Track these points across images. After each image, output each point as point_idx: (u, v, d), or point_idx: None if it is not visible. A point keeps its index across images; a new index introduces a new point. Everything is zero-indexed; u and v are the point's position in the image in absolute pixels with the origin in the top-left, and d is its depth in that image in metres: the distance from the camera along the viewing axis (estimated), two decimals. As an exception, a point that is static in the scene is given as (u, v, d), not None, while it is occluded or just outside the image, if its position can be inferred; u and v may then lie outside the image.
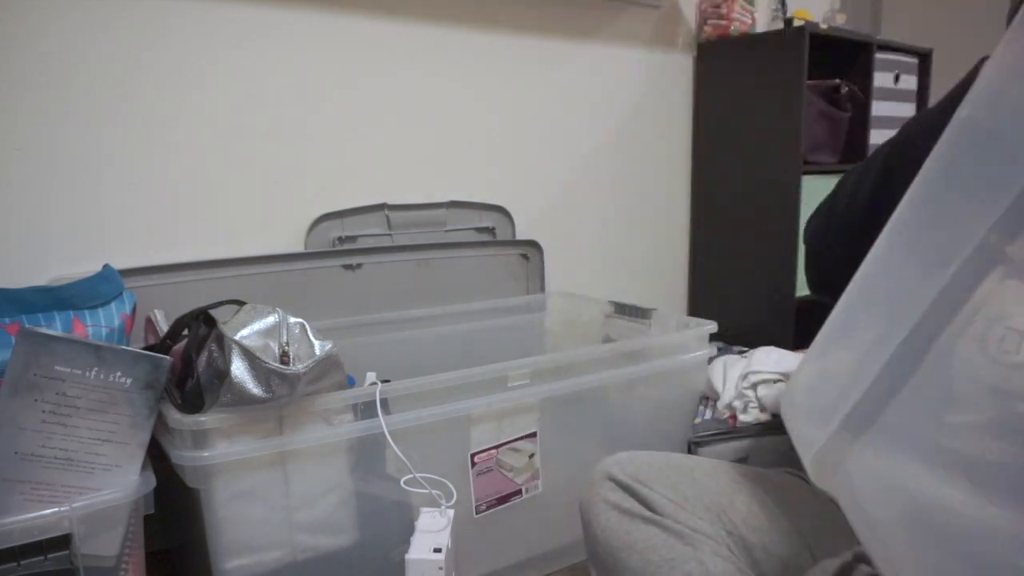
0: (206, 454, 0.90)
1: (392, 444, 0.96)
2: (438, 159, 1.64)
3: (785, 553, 0.81)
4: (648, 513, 0.80)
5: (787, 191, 1.86)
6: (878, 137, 2.04)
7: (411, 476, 0.95)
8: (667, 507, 0.79)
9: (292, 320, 0.95)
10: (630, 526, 0.79)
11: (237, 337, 0.89)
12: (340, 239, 1.49)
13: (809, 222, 0.88)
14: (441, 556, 0.91)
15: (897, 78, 2.15)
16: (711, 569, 0.74)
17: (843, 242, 0.83)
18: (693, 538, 0.77)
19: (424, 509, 0.98)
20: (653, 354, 1.27)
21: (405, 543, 0.96)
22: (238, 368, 0.88)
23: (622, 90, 1.92)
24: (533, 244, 1.68)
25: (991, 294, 0.54)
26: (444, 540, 0.93)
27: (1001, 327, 0.59)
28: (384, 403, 1.01)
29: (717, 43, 1.98)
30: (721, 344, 1.68)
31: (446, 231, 1.61)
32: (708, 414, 1.39)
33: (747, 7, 2.00)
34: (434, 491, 0.96)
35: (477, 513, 1.12)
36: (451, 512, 0.99)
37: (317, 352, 0.94)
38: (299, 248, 1.46)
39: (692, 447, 1.30)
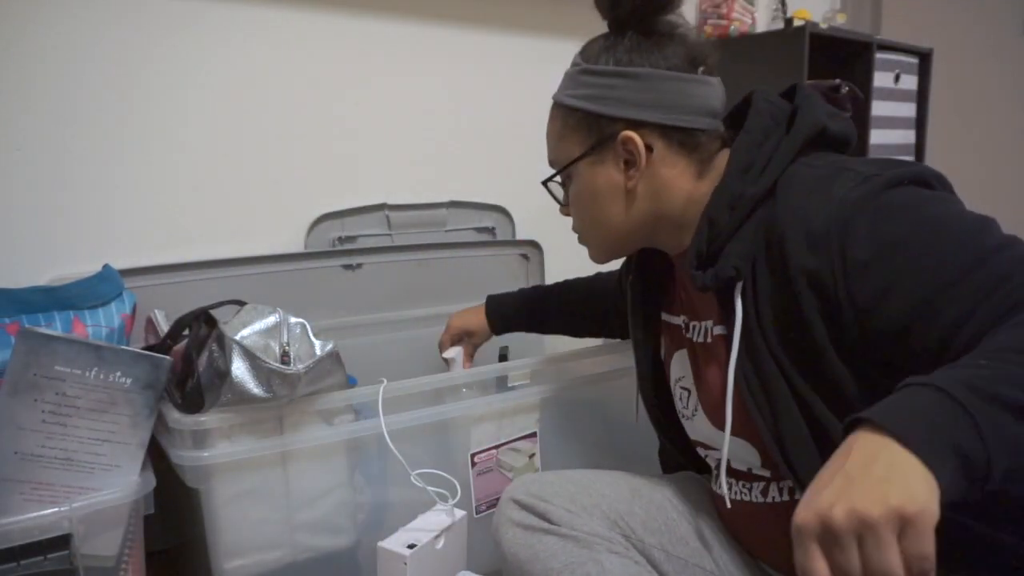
0: (206, 454, 0.90)
1: (390, 444, 0.96)
2: (438, 159, 1.64)
3: (683, 553, 0.89)
4: (546, 525, 0.87)
5: (787, 191, 1.86)
6: (878, 137, 2.04)
7: (419, 472, 0.94)
8: (564, 517, 0.87)
9: (293, 320, 0.95)
10: (532, 539, 0.87)
11: (238, 337, 0.89)
12: (340, 239, 1.49)
13: None
14: (407, 553, 0.87)
15: (897, 78, 2.15)
16: (607, 566, 0.83)
17: None
18: (589, 541, 0.85)
19: (438, 507, 0.96)
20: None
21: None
22: (239, 368, 0.88)
23: (622, 90, 1.92)
24: (533, 244, 1.68)
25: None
26: (426, 538, 0.90)
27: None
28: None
29: (717, 43, 1.98)
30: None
31: (446, 231, 1.61)
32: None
33: (747, 7, 2.00)
34: (431, 488, 0.95)
35: (477, 513, 1.12)
36: (460, 513, 0.97)
37: (318, 352, 0.94)
38: (299, 248, 1.46)
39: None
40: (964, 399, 0.51)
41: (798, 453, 0.72)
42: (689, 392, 0.90)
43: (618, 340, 1.22)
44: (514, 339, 1.39)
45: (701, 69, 0.81)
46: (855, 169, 0.70)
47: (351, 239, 1.50)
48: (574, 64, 0.86)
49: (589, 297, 1.21)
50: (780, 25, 1.98)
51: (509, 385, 1.14)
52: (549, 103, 0.94)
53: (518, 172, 1.75)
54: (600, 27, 0.85)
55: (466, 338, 1.25)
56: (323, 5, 1.44)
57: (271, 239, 1.44)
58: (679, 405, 0.94)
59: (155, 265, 1.26)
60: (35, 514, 0.82)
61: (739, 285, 0.74)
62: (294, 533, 0.99)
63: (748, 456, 0.82)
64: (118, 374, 0.85)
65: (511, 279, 1.67)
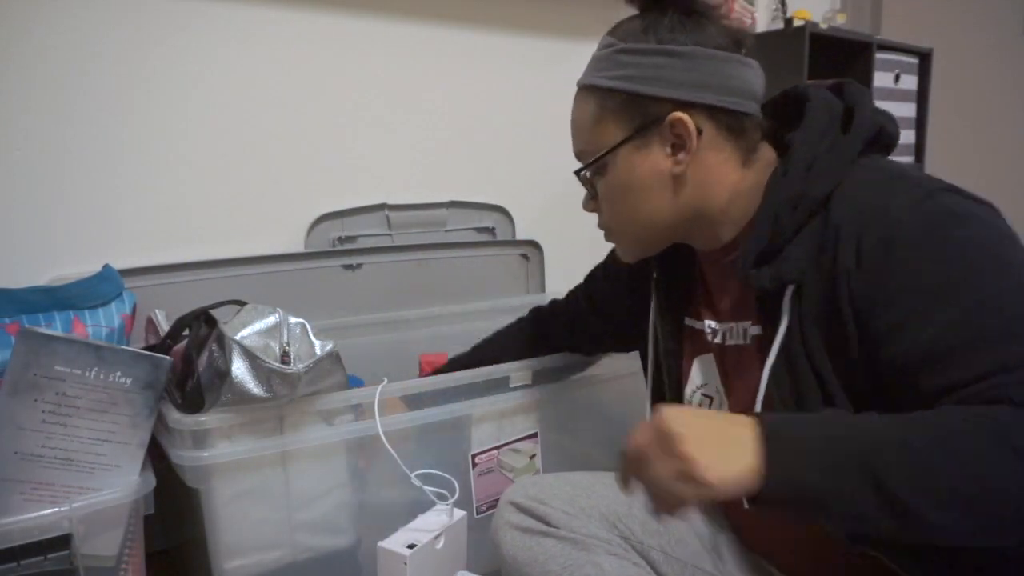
0: (206, 454, 0.90)
1: (387, 444, 0.96)
2: (438, 159, 1.64)
3: (682, 554, 0.89)
4: (545, 527, 0.87)
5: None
6: (878, 137, 2.03)
7: (418, 473, 0.94)
8: (562, 519, 0.87)
9: (293, 320, 0.95)
10: (531, 542, 0.87)
11: (238, 337, 0.89)
12: (340, 239, 1.49)
13: None
14: (407, 553, 0.87)
15: (897, 78, 2.15)
16: (606, 568, 0.83)
17: None
18: (587, 543, 0.85)
19: (438, 506, 0.96)
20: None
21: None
22: (239, 368, 0.88)
23: (622, 90, 1.92)
24: (533, 244, 1.68)
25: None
26: (426, 538, 0.89)
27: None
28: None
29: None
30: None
31: (446, 231, 1.61)
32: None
33: (747, 7, 2.00)
34: (429, 488, 0.95)
35: (478, 513, 1.12)
36: (460, 513, 0.97)
37: (318, 352, 0.94)
38: (299, 248, 1.46)
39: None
40: (845, 455, 0.58)
41: None
42: (711, 399, 0.88)
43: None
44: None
45: (743, 51, 0.78)
46: (912, 179, 0.68)
47: (351, 239, 1.50)
48: (606, 46, 0.80)
49: (526, 326, 1.19)
50: (780, 25, 1.97)
51: (510, 386, 1.14)
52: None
53: (518, 172, 1.76)
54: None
55: None
56: (323, 5, 1.44)
57: (271, 239, 1.44)
58: None
59: (155, 265, 1.26)
60: (35, 514, 0.82)
61: (791, 288, 0.72)
62: (294, 533, 0.99)
63: None
64: (118, 374, 0.85)
65: (511, 279, 1.67)
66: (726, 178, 0.78)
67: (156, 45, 1.29)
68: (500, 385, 1.12)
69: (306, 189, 1.47)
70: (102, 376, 0.84)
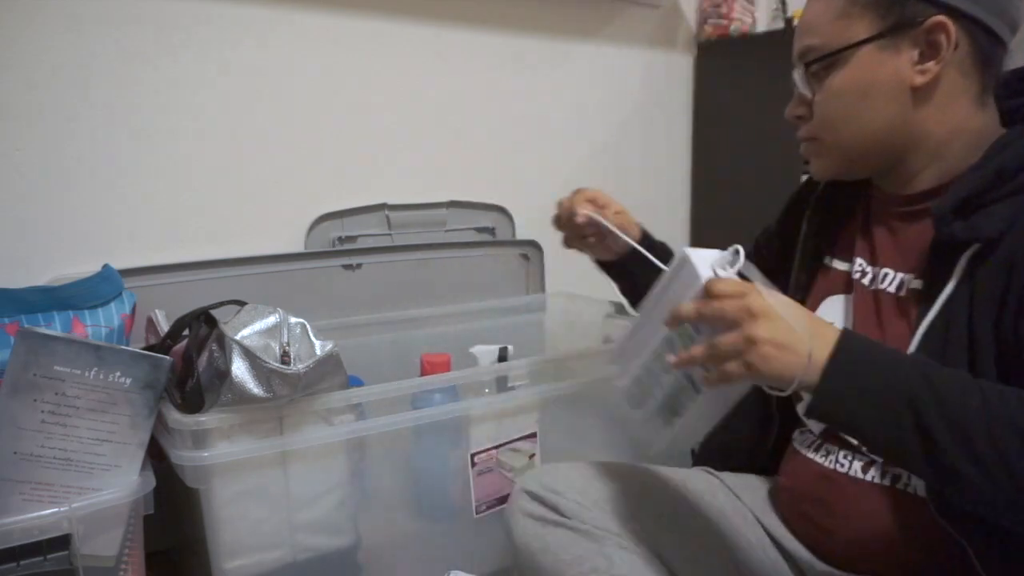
0: (206, 454, 0.90)
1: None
2: (438, 159, 1.64)
3: (693, 548, 0.88)
4: (557, 517, 0.87)
5: (788, 190, 1.86)
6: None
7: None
8: (574, 510, 0.87)
9: (293, 320, 0.95)
10: (543, 531, 0.87)
11: (238, 337, 0.89)
12: (340, 239, 1.49)
13: None
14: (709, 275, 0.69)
15: (897, 78, 2.14)
16: (616, 560, 0.82)
17: None
18: (598, 535, 0.85)
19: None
20: (653, 354, 1.27)
21: (406, 544, 0.95)
22: (239, 368, 0.88)
23: (622, 90, 1.92)
24: (533, 244, 1.68)
25: None
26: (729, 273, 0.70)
27: None
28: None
29: (717, 43, 1.98)
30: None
31: (446, 231, 1.61)
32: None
33: (747, 6, 2.00)
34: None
35: (477, 513, 1.12)
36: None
37: (318, 352, 0.94)
38: (299, 248, 1.46)
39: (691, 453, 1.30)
40: (922, 399, 0.59)
41: None
42: None
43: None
44: (514, 339, 1.39)
45: None
46: None
47: (351, 239, 1.50)
48: None
49: None
50: (780, 25, 1.97)
51: (509, 385, 1.14)
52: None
53: (518, 172, 1.76)
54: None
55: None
56: (324, 5, 1.44)
57: (271, 239, 1.44)
58: None
59: (155, 265, 1.26)
60: (35, 514, 0.82)
61: (974, 247, 0.67)
62: (294, 533, 0.99)
63: None
64: (118, 374, 0.85)
65: (511, 279, 1.67)
66: (960, 109, 0.73)
67: (157, 45, 1.29)
68: (499, 385, 1.12)
69: (306, 189, 1.47)
70: (102, 376, 0.84)
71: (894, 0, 0.71)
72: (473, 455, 1.11)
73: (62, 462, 0.84)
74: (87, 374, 0.83)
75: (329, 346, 0.95)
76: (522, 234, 1.70)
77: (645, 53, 1.94)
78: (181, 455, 0.89)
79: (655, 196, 2.02)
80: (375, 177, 1.56)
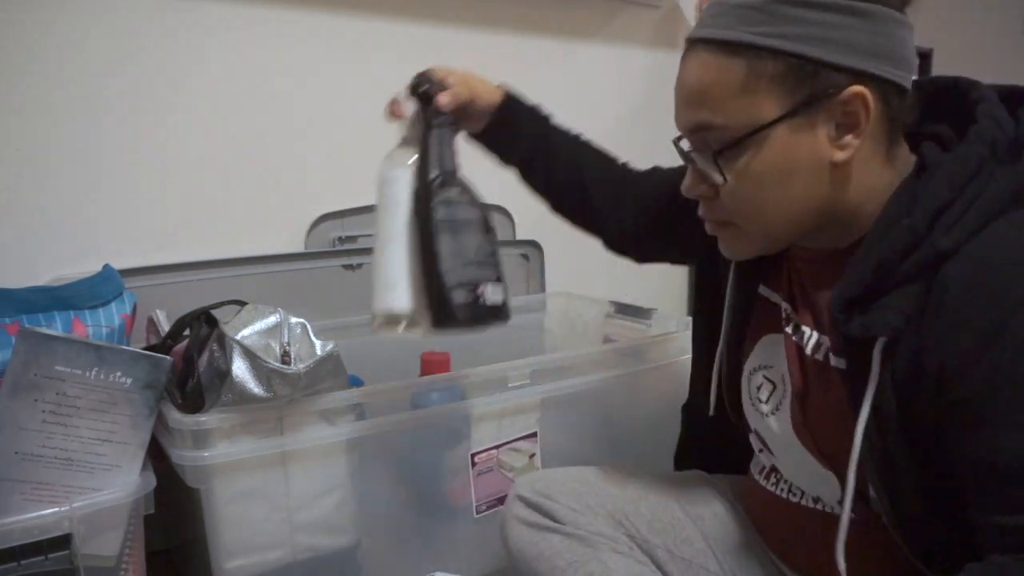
0: (206, 454, 0.90)
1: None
2: (438, 159, 1.64)
3: (688, 553, 0.89)
4: (551, 523, 0.87)
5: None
6: (878, 137, 2.03)
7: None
8: (568, 515, 0.87)
9: (293, 320, 0.95)
10: (537, 537, 0.87)
11: (238, 337, 0.89)
12: (340, 239, 1.49)
13: None
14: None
15: (897, 78, 2.14)
16: (610, 565, 0.83)
17: None
18: (593, 540, 0.85)
19: None
20: (653, 354, 1.27)
21: (406, 545, 0.95)
22: (239, 368, 0.88)
23: (622, 90, 1.92)
24: (533, 244, 1.68)
25: None
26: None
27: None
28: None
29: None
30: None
31: (446, 231, 1.60)
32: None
33: (747, 7, 2.00)
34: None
35: (477, 513, 1.12)
36: None
37: (318, 352, 0.94)
38: (299, 248, 1.46)
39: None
40: None
41: (905, 501, 0.67)
42: (775, 386, 0.79)
43: (618, 340, 1.21)
44: (514, 338, 1.39)
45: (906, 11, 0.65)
46: None
47: (351, 239, 1.49)
48: None
49: (614, 165, 1.08)
50: (780, 25, 1.98)
51: (509, 385, 1.14)
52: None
53: (518, 172, 1.75)
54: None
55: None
56: (323, 5, 1.44)
57: (271, 239, 1.44)
58: (752, 393, 0.83)
59: (155, 265, 1.26)
60: (35, 514, 0.82)
61: (882, 340, 0.63)
62: (294, 533, 0.99)
63: (824, 487, 0.76)
64: (118, 374, 0.85)
65: (511, 279, 1.66)
66: (872, 173, 0.66)
67: (157, 44, 1.29)
68: (499, 384, 1.12)
69: (306, 189, 1.47)
70: (102, 376, 0.84)
71: (806, 70, 0.62)
72: (473, 455, 1.11)
73: (63, 462, 0.84)
74: (88, 374, 0.83)
75: (329, 346, 0.95)
76: (522, 234, 1.70)
77: (645, 53, 1.94)
78: (181, 455, 0.89)
79: (655, 196, 2.02)
80: (375, 177, 1.56)
